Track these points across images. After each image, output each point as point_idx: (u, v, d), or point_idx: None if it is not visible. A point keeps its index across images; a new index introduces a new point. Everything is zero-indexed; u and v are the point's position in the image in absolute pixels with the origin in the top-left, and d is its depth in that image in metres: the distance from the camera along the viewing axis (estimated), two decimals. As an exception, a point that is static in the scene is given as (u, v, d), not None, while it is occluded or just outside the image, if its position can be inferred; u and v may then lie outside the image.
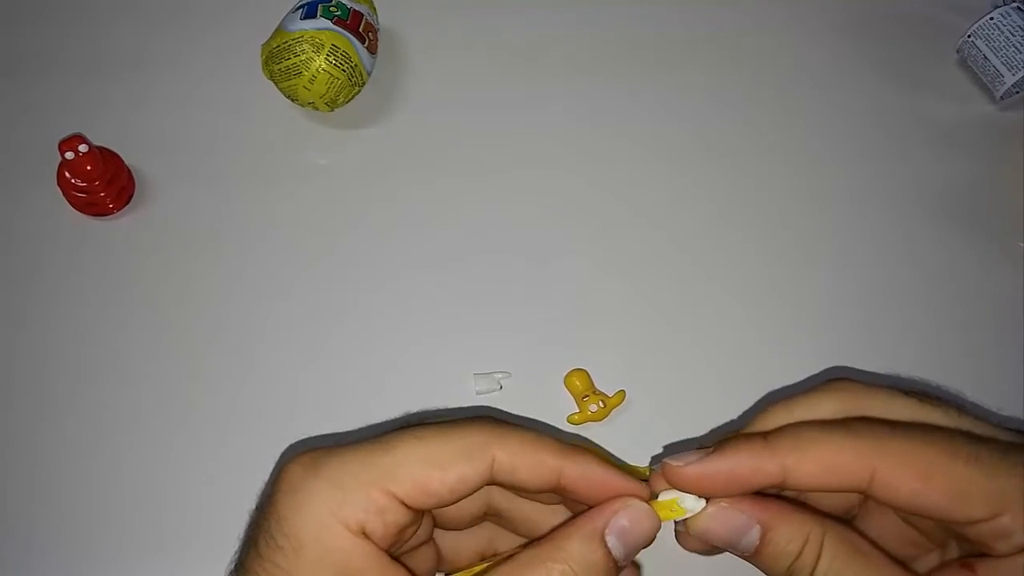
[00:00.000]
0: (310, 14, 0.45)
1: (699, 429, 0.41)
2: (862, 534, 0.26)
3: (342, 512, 0.25)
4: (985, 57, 0.49)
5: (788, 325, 0.45)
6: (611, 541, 0.25)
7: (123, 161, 0.46)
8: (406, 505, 0.26)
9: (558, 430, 0.41)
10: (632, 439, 0.41)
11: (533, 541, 0.26)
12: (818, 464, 0.25)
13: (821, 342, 0.44)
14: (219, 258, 0.45)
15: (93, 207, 0.45)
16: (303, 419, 0.41)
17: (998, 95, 0.50)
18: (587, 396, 0.41)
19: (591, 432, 0.41)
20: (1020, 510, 0.24)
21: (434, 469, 0.25)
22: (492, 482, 0.27)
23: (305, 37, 0.44)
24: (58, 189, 0.45)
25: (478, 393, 0.42)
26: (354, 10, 0.46)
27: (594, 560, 0.25)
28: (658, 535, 0.26)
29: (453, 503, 0.27)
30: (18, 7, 0.52)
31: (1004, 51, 0.48)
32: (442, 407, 0.42)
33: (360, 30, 0.46)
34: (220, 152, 0.48)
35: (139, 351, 0.43)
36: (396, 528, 0.26)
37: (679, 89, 0.51)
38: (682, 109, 0.50)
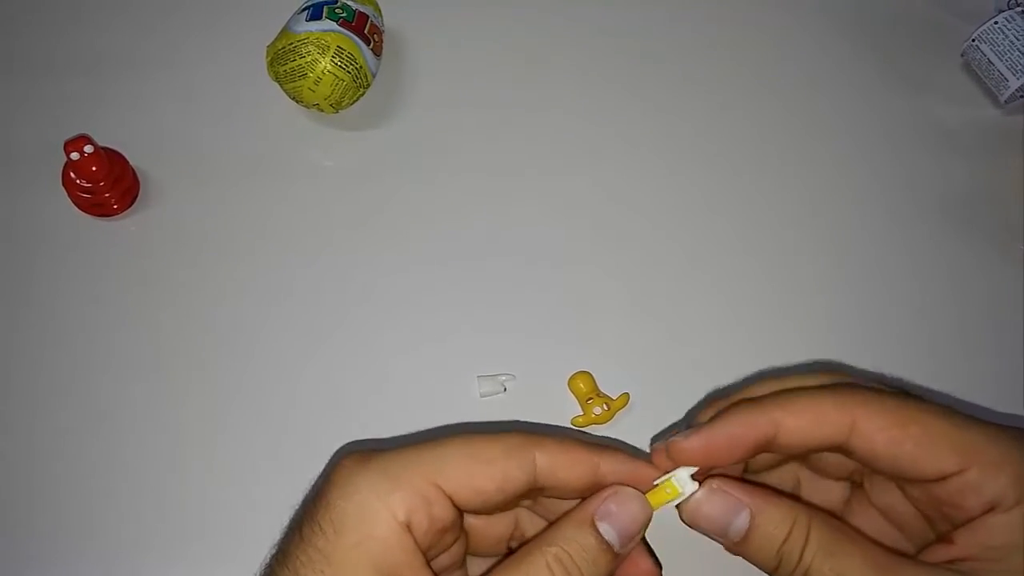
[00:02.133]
0: (315, 16, 0.45)
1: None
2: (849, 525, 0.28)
3: (390, 500, 0.25)
4: (990, 61, 0.49)
5: (791, 327, 0.45)
6: (602, 526, 0.27)
7: (128, 162, 0.46)
8: (453, 502, 0.26)
9: (562, 431, 0.41)
10: (636, 442, 0.41)
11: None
12: (803, 416, 0.27)
13: (824, 344, 0.44)
14: (224, 258, 0.45)
15: (98, 208, 0.45)
16: (303, 420, 0.41)
17: (1002, 99, 0.50)
18: (591, 399, 0.41)
19: (595, 435, 0.41)
20: (987, 463, 0.25)
21: (482, 465, 0.26)
22: (534, 484, 0.27)
23: (310, 39, 0.44)
24: (63, 190, 0.45)
25: (482, 396, 0.42)
26: (359, 12, 0.46)
27: (586, 544, 0.26)
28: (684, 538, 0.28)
29: (497, 505, 0.27)
30: (24, 7, 0.52)
31: (1009, 55, 0.48)
32: (446, 409, 0.42)
33: (365, 32, 0.46)
34: (225, 153, 0.48)
35: (144, 351, 0.43)
36: (440, 525, 0.26)
37: (682, 91, 0.51)
38: (685, 111, 0.50)
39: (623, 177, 0.48)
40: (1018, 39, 0.48)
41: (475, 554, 0.31)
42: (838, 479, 0.31)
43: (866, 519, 0.30)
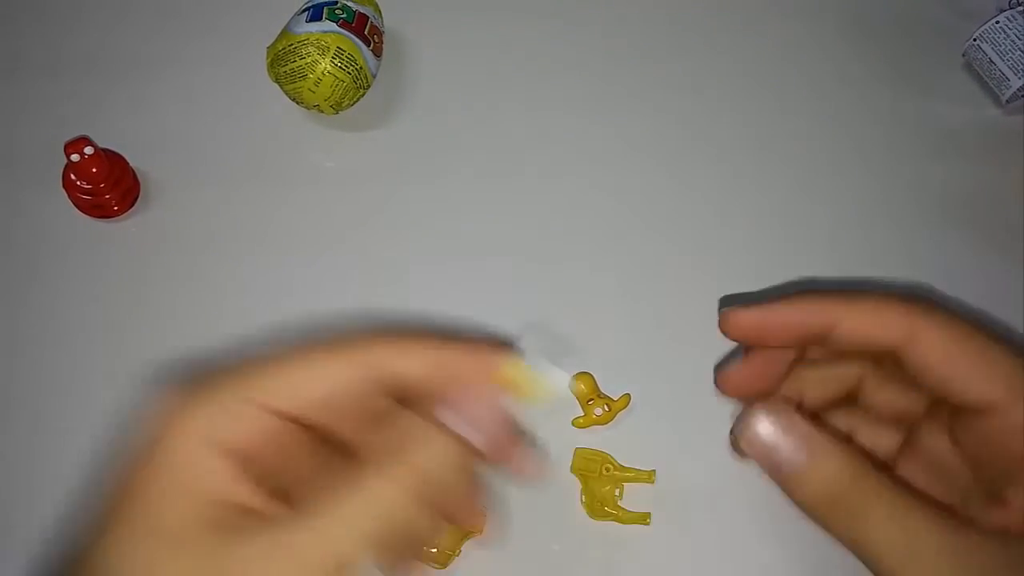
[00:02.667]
0: (315, 17, 0.45)
1: (705, 432, 0.40)
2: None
3: (206, 427, 0.24)
4: (991, 61, 0.49)
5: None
6: (448, 420, 0.26)
7: (128, 163, 0.46)
8: (285, 417, 0.25)
9: (564, 434, 0.41)
10: (637, 443, 0.41)
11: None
12: (865, 314, 0.27)
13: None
14: (224, 260, 0.45)
15: (98, 209, 0.45)
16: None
17: (1004, 99, 0.49)
18: (592, 400, 0.41)
19: (596, 436, 0.41)
20: None
21: (307, 373, 0.25)
22: (380, 386, 0.26)
23: (310, 40, 0.44)
24: (63, 191, 0.45)
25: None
26: (359, 13, 0.46)
27: (438, 445, 0.25)
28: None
29: (342, 410, 0.26)
30: (24, 8, 0.52)
31: (1010, 55, 0.48)
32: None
33: (365, 33, 0.46)
34: (225, 154, 0.48)
35: (145, 353, 0.43)
36: (273, 444, 0.25)
37: (683, 93, 0.51)
38: (686, 113, 0.50)
39: (624, 178, 0.48)
40: (1019, 39, 0.48)
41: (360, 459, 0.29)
42: (891, 422, 0.30)
43: (913, 470, 0.29)
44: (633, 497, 0.40)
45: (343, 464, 0.28)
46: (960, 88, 0.52)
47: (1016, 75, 0.48)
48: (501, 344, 0.28)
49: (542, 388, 0.27)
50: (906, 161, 0.49)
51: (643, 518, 0.39)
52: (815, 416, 0.31)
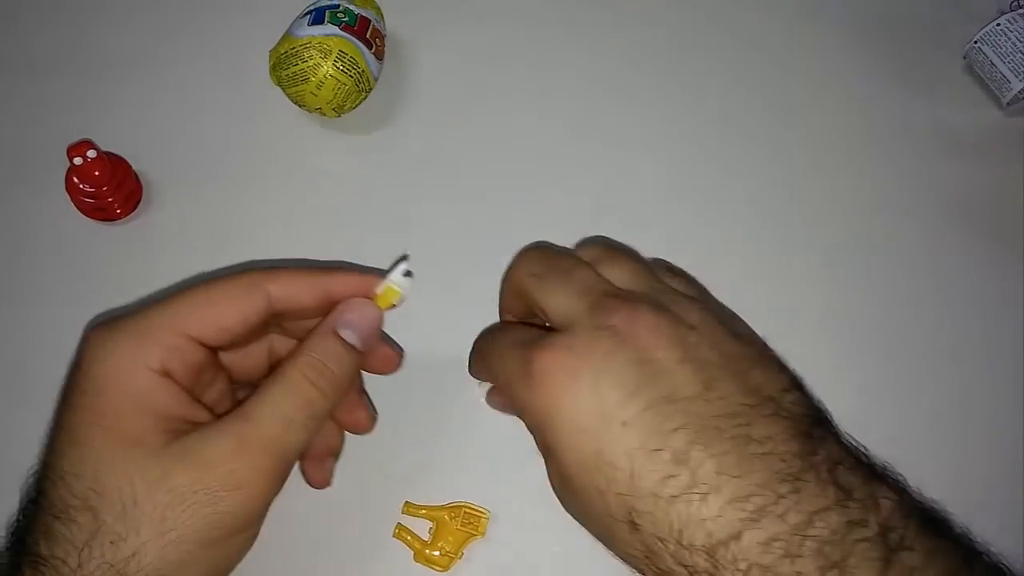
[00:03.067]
0: (318, 20, 0.45)
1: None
2: None
3: (143, 355, 0.29)
4: (992, 63, 0.49)
5: (794, 327, 0.44)
6: (343, 332, 0.32)
7: (131, 166, 0.46)
8: (202, 344, 0.30)
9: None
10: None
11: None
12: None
13: (826, 343, 0.44)
14: (226, 263, 0.45)
15: (101, 212, 0.45)
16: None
17: (1005, 101, 0.50)
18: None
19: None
20: None
21: (220, 307, 0.30)
22: (274, 313, 0.32)
23: (312, 43, 0.45)
24: (66, 194, 0.45)
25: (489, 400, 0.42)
26: (361, 16, 0.46)
27: (333, 348, 0.31)
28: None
29: (244, 337, 0.32)
30: (25, 10, 0.52)
31: (1011, 57, 0.48)
32: (448, 413, 0.42)
33: (367, 36, 0.46)
34: (227, 157, 0.48)
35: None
36: (196, 367, 0.30)
37: (686, 95, 0.51)
38: (688, 114, 0.50)
39: (629, 184, 0.48)
40: (1021, 41, 0.48)
41: (240, 382, 0.35)
42: None
43: None
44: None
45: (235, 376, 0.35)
46: (961, 90, 0.52)
47: (1017, 77, 0.48)
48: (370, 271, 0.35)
49: (399, 298, 0.34)
50: (907, 163, 0.49)
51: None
52: None
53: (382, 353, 0.37)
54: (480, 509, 0.39)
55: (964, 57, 0.51)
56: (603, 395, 0.27)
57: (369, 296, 0.34)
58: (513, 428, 0.41)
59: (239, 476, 0.28)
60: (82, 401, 0.29)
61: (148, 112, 0.49)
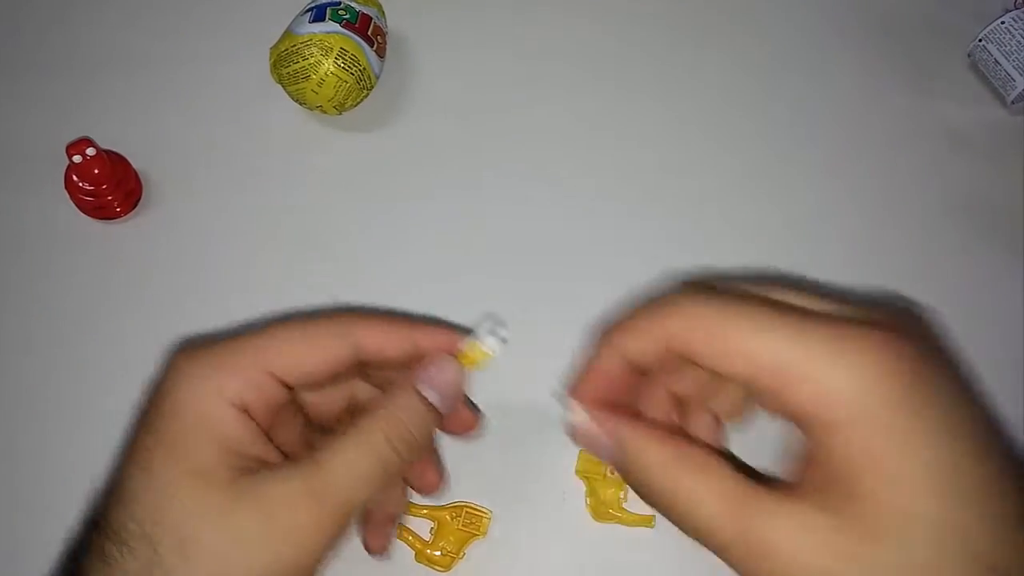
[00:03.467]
0: (319, 17, 0.45)
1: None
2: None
3: (224, 388, 0.28)
4: (996, 61, 0.49)
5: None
6: (425, 390, 0.31)
7: (131, 164, 0.46)
8: (283, 383, 0.29)
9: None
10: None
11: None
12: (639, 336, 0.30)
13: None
14: (226, 261, 0.45)
15: (100, 211, 0.45)
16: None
17: (1009, 100, 0.49)
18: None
19: (600, 438, 0.41)
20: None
21: (308, 348, 0.30)
22: (359, 360, 0.31)
23: (314, 40, 0.44)
24: (65, 193, 0.45)
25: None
26: (363, 13, 0.46)
27: (414, 406, 0.30)
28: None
29: (327, 381, 0.31)
30: (25, 9, 0.52)
31: (1016, 56, 0.48)
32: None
33: (369, 33, 0.46)
34: (228, 155, 0.48)
35: (146, 355, 0.43)
36: (274, 405, 0.29)
37: (688, 93, 0.51)
38: (690, 112, 0.50)
39: (630, 179, 0.48)
40: (1025, 39, 0.48)
41: (315, 423, 0.34)
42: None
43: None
44: (637, 499, 0.39)
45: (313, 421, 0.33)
46: (965, 88, 0.51)
47: (1021, 75, 0.48)
48: (458, 329, 0.33)
49: (485, 358, 0.33)
50: (911, 161, 0.49)
51: (647, 520, 0.39)
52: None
53: (461, 415, 0.35)
54: (482, 509, 0.39)
55: (968, 55, 0.51)
56: None
57: (455, 353, 0.32)
58: (514, 428, 0.41)
59: (303, 526, 0.27)
60: (156, 424, 0.28)
61: (148, 110, 0.49)
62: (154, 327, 0.43)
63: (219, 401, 0.28)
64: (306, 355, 0.29)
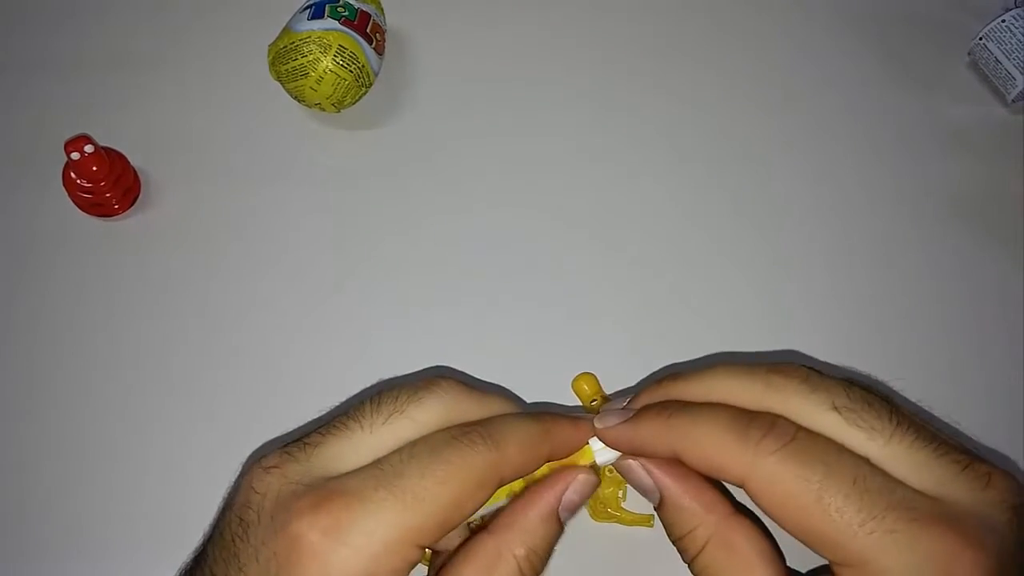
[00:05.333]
0: (317, 14, 0.45)
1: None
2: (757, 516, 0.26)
3: (375, 566, 0.24)
4: (997, 60, 0.49)
5: (798, 326, 0.44)
6: (564, 515, 0.27)
7: (129, 162, 0.46)
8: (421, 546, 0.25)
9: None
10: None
11: (493, 521, 0.27)
12: (702, 460, 0.25)
13: (831, 344, 0.44)
14: (225, 258, 0.45)
15: (99, 208, 0.45)
16: (308, 419, 0.41)
17: (1010, 98, 0.49)
18: (595, 400, 0.41)
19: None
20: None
21: (457, 509, 0.25)
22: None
23: (312, 38, 0.44)
24: (63, 190, 0.45)
25: None
26: (361, 11, 0.46)
27: (551, 533, 0.27)
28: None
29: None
30: (23, 6, 0.52)
31: (1016, 54, 0.48)
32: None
33: (367, 31, 0.46)
34: (226, 153, 0.48)
35: (144, 352, 0.43)
36: (410, 565, 0.25)
37: (688, 91, 0.51)
38: (691, 111, 0.50)
39: (630, 178, 0.48)
40: (1026, 37, 0.48)
41: None
42: None
43: None
44: (636, 499, 0.39)
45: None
46: (966, 87, 0.51)
47: (1022, 74, 0.48)
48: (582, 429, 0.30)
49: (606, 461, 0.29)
50: (911, 160, 0.49)
51: (646, 520, 0.39)
52: None
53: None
54: None
55: (969, 54, 0.51)
56: None
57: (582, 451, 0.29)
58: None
59: None
60: None
61: (146, 107, 0.49)
62: (151, 324, 0.43)
63: None
64: (451, 516, 0.25)
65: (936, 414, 0.43)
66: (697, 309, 0.44)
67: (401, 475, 0.25)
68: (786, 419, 0.24)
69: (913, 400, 0.43)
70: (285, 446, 0.26)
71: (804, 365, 0.26)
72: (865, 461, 0.23)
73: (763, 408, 0.25)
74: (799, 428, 0.24)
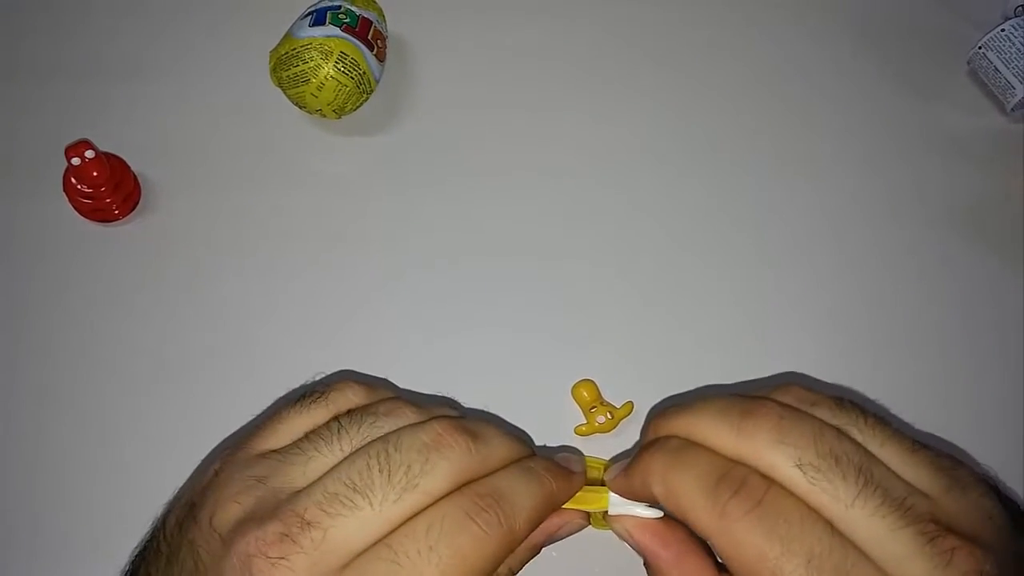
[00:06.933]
0: (319, 21, 0.45)
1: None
2: None
3: None
4: (996, 69, 0.49)
5: (796, 334, 0.44)
6: (547, 544, 0.29)
7: (129, 167, 0.46)
8: None
9: (567, 446, 0.41)
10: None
11: None
12: (677, 511, 0.25)
13: (829, 352, 0.44)
14: (225, 264, 0.45)
15: (99, 213, 0.45)
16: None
17: (1009, 107, 0.49)
18: (594, 407, 0.41)
19: (598, 443, 0.41)
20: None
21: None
22: None
23: (313, 44, 0.44)
24: (64, 195, 0.45)
25: None
26: (363, 17, 0.46)
27: (531, 556, 0.29)
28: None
29: None
30: (25, 12, 0.52)
31: (1015, 63, 0.48)
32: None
33: (369, 37, 0.46)
34: (227, 159, 0.48)
35: (144, 357, 0.43)
36: None
37: (687, 95, 0.51)
38: (690, 115, 0.50)
39: (629, 183, 0.48)
40: (1025, 47, 0.48)
41: None
42: None
43: None
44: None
45: None
46: (965, 96, 0.51)
47: (1021, 83, 0.48)
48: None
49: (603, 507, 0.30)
50: (910, 168, 0.49)
51: (646, 527, 0.39)
52: None
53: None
54: None
55: (968, 63, 0.51)
56: None
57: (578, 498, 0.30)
58: (512, 428, 0.41)
59: None
60: None
61: (147, 113, 0.49)
62: (151, 330, 0.43)
63: None
64: None
65: (933, 419, 0.43)
66: (696, 315, 0.44)
67: (421, 573, 0.24)
68: (757, 476, 0.24)
69: (911, 404, 0.43)
70: (284, 520, 0.24)
71: (787, 395, 0.26)
72: (827, 528, 0.23)
73: (737, 456, 0.25)
74: (769, 486, 0.24)
